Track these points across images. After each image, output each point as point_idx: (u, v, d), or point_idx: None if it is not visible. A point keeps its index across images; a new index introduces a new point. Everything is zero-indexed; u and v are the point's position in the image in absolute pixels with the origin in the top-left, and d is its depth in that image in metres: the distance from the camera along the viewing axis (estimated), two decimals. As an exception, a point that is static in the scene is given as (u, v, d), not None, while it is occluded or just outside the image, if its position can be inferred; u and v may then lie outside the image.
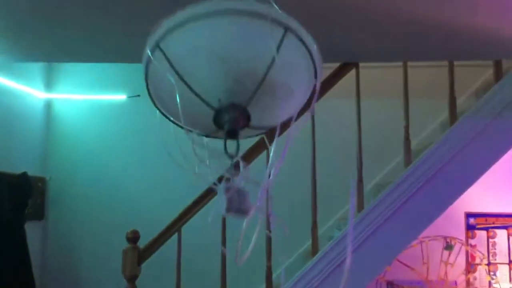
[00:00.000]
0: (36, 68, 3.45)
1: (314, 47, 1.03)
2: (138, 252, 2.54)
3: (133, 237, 2.56)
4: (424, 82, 3.06)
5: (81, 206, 3.45)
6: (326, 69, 2.66)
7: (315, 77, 1.10)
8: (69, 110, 3.56)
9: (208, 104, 1.01)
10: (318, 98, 2.64)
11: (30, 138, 3.37)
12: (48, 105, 3.54)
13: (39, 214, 3.37)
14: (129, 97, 3.55)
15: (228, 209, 0.95)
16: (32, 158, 3.35)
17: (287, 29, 0.95)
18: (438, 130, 2.98)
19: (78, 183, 3.47)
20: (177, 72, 0.98)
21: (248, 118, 1.06)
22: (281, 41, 0.94)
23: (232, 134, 1.02)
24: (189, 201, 2.61)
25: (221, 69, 1.00)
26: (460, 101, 2.88)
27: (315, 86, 1.12)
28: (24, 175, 3.01)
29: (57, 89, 3.56)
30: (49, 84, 3.55)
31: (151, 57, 1.00)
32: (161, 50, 0.98)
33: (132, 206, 3.37)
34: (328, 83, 2.62)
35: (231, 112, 1.02)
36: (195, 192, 2.59)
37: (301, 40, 0.99)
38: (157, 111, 1.13)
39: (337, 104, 2.89)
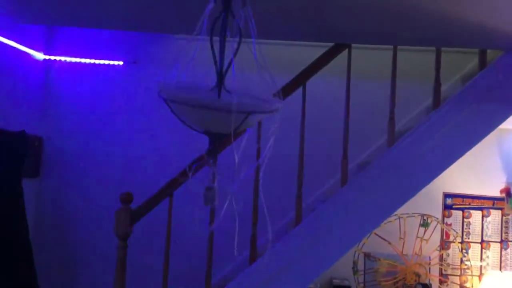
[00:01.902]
0: (37, 30, 3.50)
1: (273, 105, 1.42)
2: (130, 213, 2.67)
3: (127, 199, 2.69)
4: (413, 65, 3.17)
5: (76, 166, 3.56)
6: (319, 48, 2.79)
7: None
8: (67, 73, 3.63)
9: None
10: (311, 75, 2.74)
11: (29, 98, 3.45)
12: (48, 67, 3.61)
13: (35, 172, 3.49)
14: (126, 63, 3.63)
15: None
16: (30, 118, 3.44)
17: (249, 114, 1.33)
18: (423, 114, 3.11)
19: (73, 144, 3.57)
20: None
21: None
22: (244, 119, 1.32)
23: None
24: (182, 166, 2.74)
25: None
26: (446, 87, 3.02)
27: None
28: (22, 133, 3.10)
29: (56, 51, 3.63)
30: (48, 46, 3.61)
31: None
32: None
33: (126, 168, 3.49)
34: (321, 62, 2.73)
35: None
36: (189, 156, 2.72)
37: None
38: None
39: (326, 83, 2.99)
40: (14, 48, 3.25)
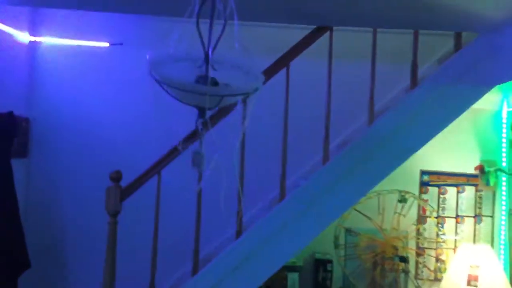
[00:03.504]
0: (22, 11, 3.51)
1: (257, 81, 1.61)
2: (120, 190, 2.76)
3: (116, 177, 2.78)
4: (392, 47, 3.27)
5: (64, 147, 3.59)
6: (302, 30, 2.88)
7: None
8: (53, 54, 3.65)
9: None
10: (294, 57, 2.85)
11: (15, 79, 3.48)
12: (33, 48, 3.62)
13: (23, 152, 3.54)
14: (112, 44, 3.66)
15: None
16: (17, 99, 3.47)
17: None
18: (402, 94, 3.23)
19: (60, 125, 3.60)
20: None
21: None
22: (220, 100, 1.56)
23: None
24: (171, 145, 2.83)
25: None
26: (424, 68, 3.14)
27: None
28: (10, 114, 3.15)
29: (42, 33, 3.64)
30: (34, 28, 3.62)
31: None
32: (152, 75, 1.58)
33: (114, 147, 3.54)
34: (304, 44, 2.83)
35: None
36: (178, 135, 2.80)
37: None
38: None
39: (309, 65, 3.07)
40: (-1, 29, 3.28)
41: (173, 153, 2.81)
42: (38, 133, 3.61)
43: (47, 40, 3.65)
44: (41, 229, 3.54)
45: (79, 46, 3.65)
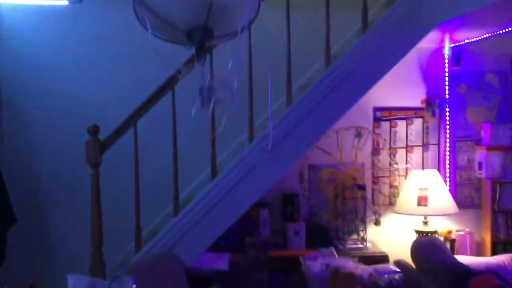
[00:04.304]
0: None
1: None
2: (99, 143, 2.92)
3: (94, 130, 2.91)
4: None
5: (35, 105, 3.67)
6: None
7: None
8: (13, 16, 3.64)
9: (180, 29, 1.51)
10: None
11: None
12: (-8, 11, 3.62)
13: (-6, 115, 3.60)
14: (71, 2, 3.69)
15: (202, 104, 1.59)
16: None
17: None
18: (355, 38, 3.48)
19: (30, 85, 3.65)
20: (156, 14, 1.50)
21: (211, 32, 1.57)
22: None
23: (200, 49, 1.55)
24: (141, 100, 2.99)
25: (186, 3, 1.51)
26: (373, 11, 3.38)
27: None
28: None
29: (-2, -6, 3.62)
30: (-10, -11, 3.59)
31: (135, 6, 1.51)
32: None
33: (85, 105, 3.64)
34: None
35: (198, 31, 1.53)
36: (146, 91, 2.98)
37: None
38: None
39: (268, 16, 3.23)
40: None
41: (147, 105, 2.99)
42: (7, 93, 3.65)
43: (5, 1, 3.63)
44: (21, 187, 3.65)
45: (39, 6, 3.66)
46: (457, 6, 2.98)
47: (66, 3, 3.70)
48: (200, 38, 1.54)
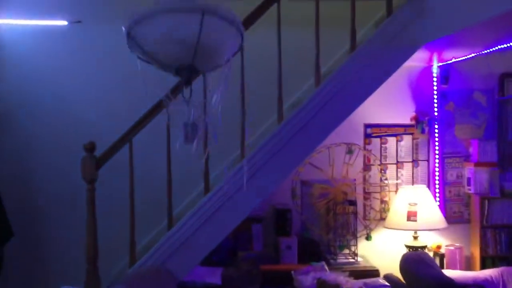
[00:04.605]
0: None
1: (231, 17, 1.68)
2: (95, 159, 3.00)
3: (90, 147, 3.00)
4: (334, 14, 3.56)
5: (33, 124, 3.75)
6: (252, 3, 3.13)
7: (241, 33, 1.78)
8: (12, 35, 3.73)
9: (168, 66, 1.75)
10: (246, 28, 3.12)
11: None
12: (-7, 30, 3.71)
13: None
14: (70, 23, 3.79)
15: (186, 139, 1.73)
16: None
17: (204, 12, 1.59)
18: (344, 57, 3.58)
19: (28, 104, 3.73)
20: (146, 52, 1.69)
21: (197, 70, 1.73)
22: (201, 21, 1.60)
23: (187, 84, 1.78)
24: (137, 117, 3.08)
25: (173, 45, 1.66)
26: (362, 32, 3.49)
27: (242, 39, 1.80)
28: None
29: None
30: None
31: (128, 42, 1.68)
32: (131, 37, 1.66)
33: (81, 122, 3.72)
34: (255, 16, 3.10)
35: (184, 70, 1.73)
36: (139, 111, 3.06)
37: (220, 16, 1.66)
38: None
39: (260, 35, 3.33)
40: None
41: (142, 122, 3.08)
42: (5, 112, 3.73)
43: (5, 22, 3.72)
44: (18, 203, 3.71)
45: (38, 26, 3.76)
46: (444, 25, 3.07)
47: (65, 23, 3.80)
48: (187, 76, 1.70)
